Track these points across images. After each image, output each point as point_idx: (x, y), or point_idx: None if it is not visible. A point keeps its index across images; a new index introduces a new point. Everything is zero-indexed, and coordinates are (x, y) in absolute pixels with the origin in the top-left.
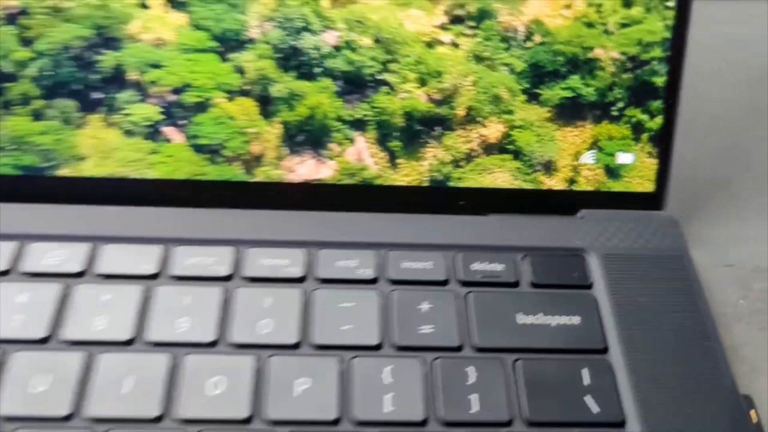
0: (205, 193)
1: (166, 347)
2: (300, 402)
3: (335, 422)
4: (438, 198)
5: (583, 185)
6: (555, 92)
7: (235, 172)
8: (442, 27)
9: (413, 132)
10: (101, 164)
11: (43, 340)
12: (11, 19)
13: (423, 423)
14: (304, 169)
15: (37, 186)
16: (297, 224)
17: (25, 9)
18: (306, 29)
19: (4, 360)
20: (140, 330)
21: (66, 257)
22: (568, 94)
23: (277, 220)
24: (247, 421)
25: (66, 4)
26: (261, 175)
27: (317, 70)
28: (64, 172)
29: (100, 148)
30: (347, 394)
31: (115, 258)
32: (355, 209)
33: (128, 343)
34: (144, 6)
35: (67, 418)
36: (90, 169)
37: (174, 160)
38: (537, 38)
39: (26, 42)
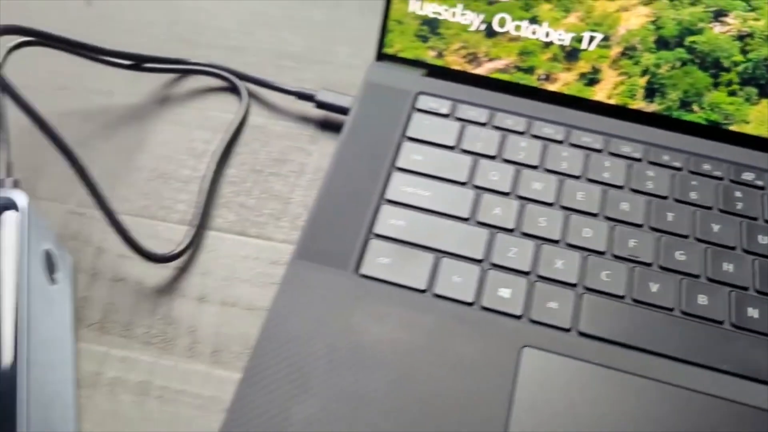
0: None
1: None
2: None
3: None
4: None
5: None
6: None
7: None
8: None
9: None
10: (756, 128)
11: None
12: (741, 37)
13: None
14: None
15: (716, 132)
16: None
17: (752, 33)
18: None
19: None
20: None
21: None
22: None
23: None
24: None
25: None
26: None
27: None
28: (734, 127)
29: (760, 118)
30: None
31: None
32: None
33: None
34: None
35: None
36: (749, 129)
37: None
38: None
39: (744, 52)
